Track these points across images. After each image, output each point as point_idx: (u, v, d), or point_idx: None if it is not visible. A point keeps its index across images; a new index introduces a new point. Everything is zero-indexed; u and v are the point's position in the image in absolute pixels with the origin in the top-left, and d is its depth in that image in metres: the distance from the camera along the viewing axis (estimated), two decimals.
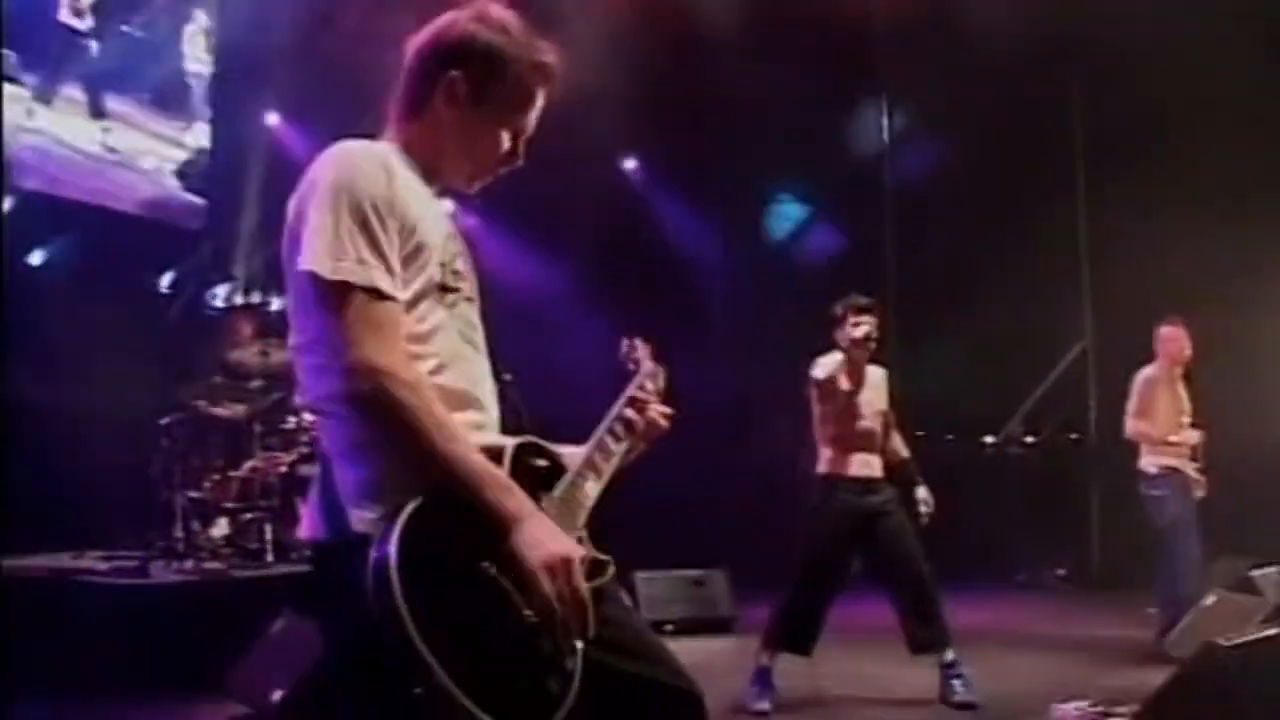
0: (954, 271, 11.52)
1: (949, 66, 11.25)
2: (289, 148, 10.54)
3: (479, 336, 2.23)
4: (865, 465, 6.07)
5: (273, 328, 8.36)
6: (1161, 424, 7.46)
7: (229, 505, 7.67)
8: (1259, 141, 9.78)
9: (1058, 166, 11.97)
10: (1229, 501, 7.93)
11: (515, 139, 2.29)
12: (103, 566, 6.81)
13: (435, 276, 2.12)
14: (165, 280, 9.53)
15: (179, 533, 7.33)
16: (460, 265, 2.20)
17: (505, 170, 2.32)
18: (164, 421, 7.72)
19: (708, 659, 6.89)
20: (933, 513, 6.16)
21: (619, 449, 2.36)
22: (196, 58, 9.98)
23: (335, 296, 1.98)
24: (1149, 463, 7.49)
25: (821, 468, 6.06)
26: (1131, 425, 7.54)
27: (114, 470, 7.78)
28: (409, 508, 1.89)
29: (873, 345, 5.98)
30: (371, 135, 2.25)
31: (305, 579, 2.23)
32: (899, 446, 6.35)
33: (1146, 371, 7.62)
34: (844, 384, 5.93)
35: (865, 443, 6.06)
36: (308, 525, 2.12)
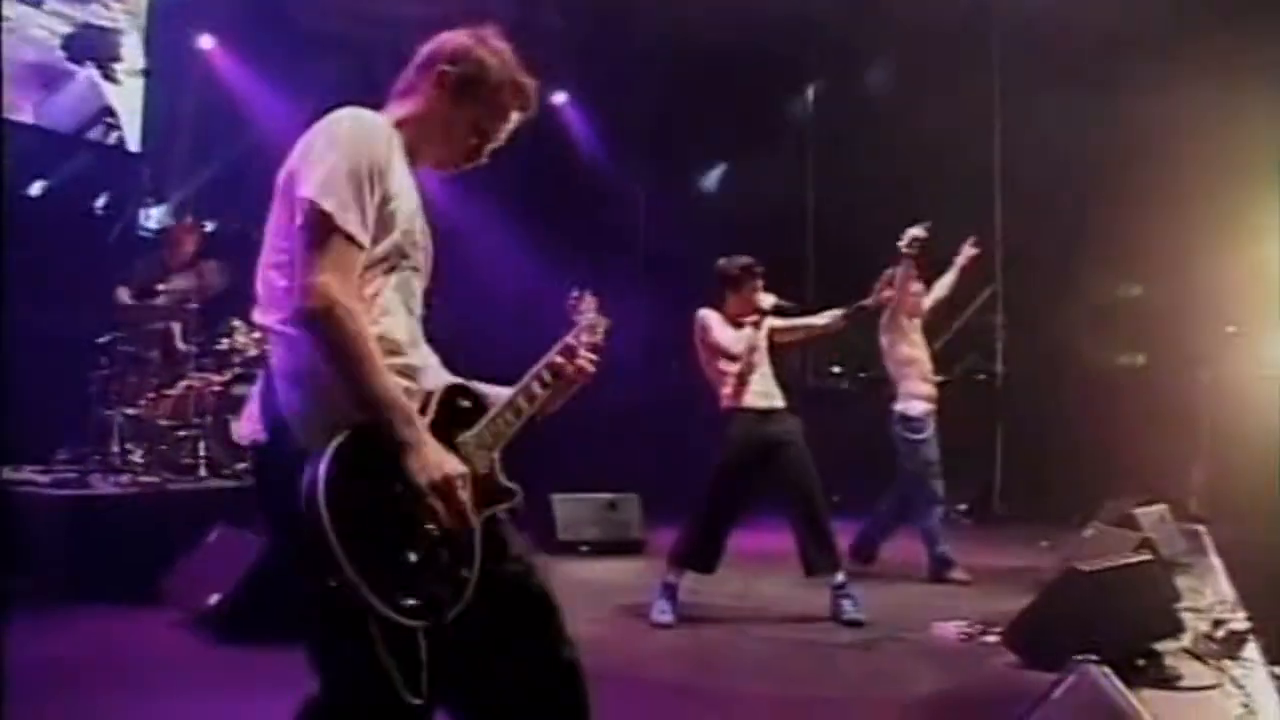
0: (872, 216, 11.79)
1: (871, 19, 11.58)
2: (223, 72, 10.64)
3: (416, 304, 2.57)
4: (765, 396, 6.43)
5: (208, 250, 8.50)
6: (910, 367, 7.81)
7: (164, 422, 7.88)
8: (1163, 96, 10.14)
9: (974, 109, 12.26)
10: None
11: (483, 140, 2.67)
12: (43, 479, 7.02)
13: (397, 241, 2.46)
14: (100, 201, 9.62)
15: (115, 448, 7.54)
16: (419, 238, 2.56)
17: (469, 165, 2.70)
18: (101, 341, 7.88)
19: (619, 577, 7.29)
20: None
21: (543, 393, 2.71)
22: None
23: (319, 224, 2.31)
24: (910, 406, 7.76)
25: (725, 402, 6.39)
26: (892, 360, 7.84)
27: (51, 388, 7.85)
28: (339, 437, 2.24)
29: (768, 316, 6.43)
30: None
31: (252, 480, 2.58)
32: (812, 321, 6.72)
33: (884, 317, 7.80)
34: (746, 349, 6.35)
35: (762, 379, 6.43)
36: (249, 429, 2.45)
